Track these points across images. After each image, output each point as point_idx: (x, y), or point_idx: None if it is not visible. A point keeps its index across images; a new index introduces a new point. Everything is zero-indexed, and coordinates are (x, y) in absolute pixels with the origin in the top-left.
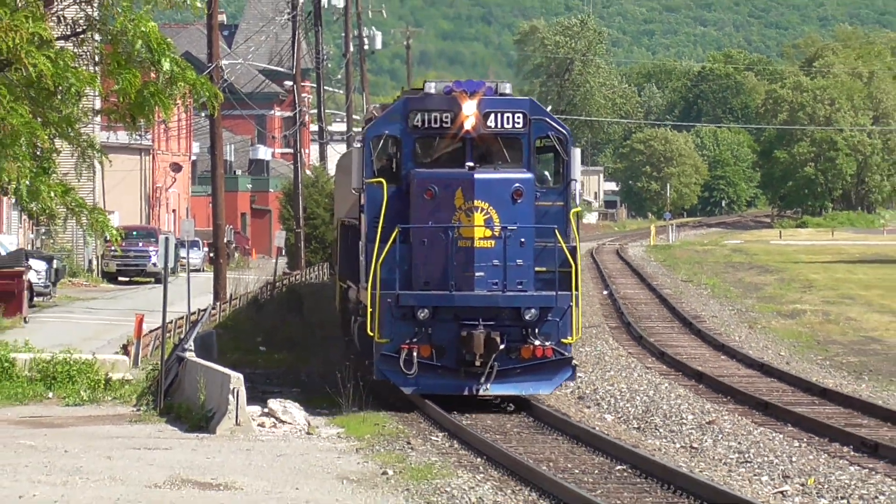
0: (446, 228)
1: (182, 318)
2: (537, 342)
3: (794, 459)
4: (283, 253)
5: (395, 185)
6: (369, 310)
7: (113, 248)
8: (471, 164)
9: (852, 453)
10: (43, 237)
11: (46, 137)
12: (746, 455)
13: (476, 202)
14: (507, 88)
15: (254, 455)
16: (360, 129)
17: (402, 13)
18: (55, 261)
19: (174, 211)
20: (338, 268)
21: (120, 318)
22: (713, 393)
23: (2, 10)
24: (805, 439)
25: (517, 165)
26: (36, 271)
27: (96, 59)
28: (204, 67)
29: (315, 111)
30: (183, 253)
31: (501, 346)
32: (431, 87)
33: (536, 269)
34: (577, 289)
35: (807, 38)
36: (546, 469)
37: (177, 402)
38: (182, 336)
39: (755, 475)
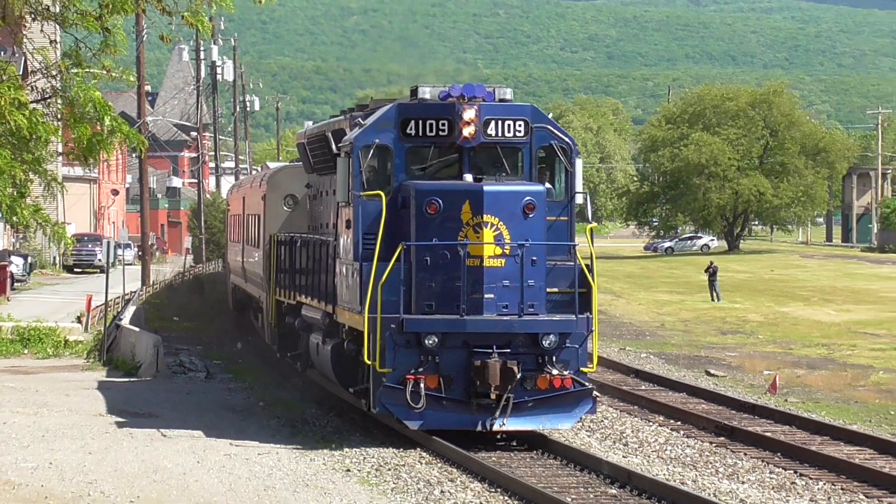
0: (454, 246)
1: (119, 297)
2: (555, 371)
3: None
4: (190, 252)
5: (386, 198)
6: (367, 336)
7: (72, 248)
8: (468, 175)
9: None
10: (21, 240)
11: (22, 173)
12: None
13: (485, 217)
14: (507, 94)
15: (170, 393)
16: (298, 144)
17: (274, 84)
18: (29, 257)
19: (114, 223)
20: (272, 283)
21: (75, 298)
22: None
23: None
24: None
25: (517, 176)
26: (16, 265)
27: (59, 116)
28: (134, 122)
29: (212, 153)
30: (119, 252)
31: (518, 376)
32: (426, 93)
33: (548, 289)
34: (594, 312)
35: (554, 102)
36: (348, 396)
37: (115, 356)
38: (119, 310)
39: None
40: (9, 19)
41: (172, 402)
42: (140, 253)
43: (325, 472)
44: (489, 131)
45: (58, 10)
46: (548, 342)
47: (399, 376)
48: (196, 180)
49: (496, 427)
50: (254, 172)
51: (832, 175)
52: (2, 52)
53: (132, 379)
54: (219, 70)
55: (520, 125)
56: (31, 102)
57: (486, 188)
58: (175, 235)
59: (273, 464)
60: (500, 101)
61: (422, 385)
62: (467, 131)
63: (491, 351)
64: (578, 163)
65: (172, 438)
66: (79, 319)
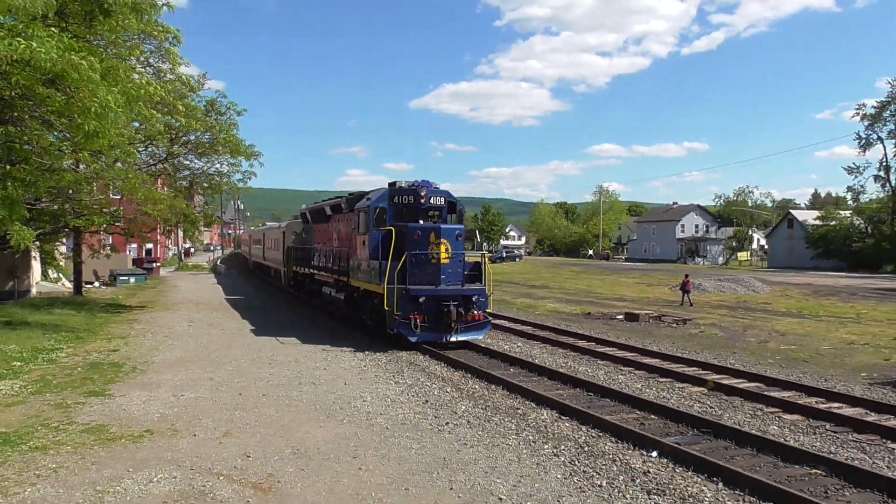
0: (428, 254)
1: (216, 258)
2: (476, 312)
3: None
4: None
5: (384, 232)
6: (385, 296)
7: (204, 246)
8: (422, 221)
9: None
10: (190, 245)
11: (190, 229)
12: None
13: (442, 240)
14: (439, 185)
15: (229, 281)
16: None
17: (250, 210)
18: (192, 248)
19: (215, 241)
20: (290, 264)
21: (207, 256)
22: None
23: (149, 192)
24: None
25: (445, 222)
26: (192, 250)
27: (203, 216)
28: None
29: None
30: (216, 248)
31: (462, 315)
32: (402, 183)
33: (465, 273)
34: (489, 283)
35: None
36: (239, 274)
37: (216, 272)
38: (217, 261)
39: None
40: (192, 193)
41: (230, 284)
42: (221, 248)
43: (313, 315)
44: (431, 201)
45: (201, 191)
46: (475, 298)
47: (405, 315)
48: (231, 232)
49: (451, 339)
50: (261, 226)
51: None
52: (188, 203)
53: (221, 277)
54: (239, 205)
55: (443, 198)
56: (196, 211)
57: (442, 227)
58: (227, 244)
59: (280, 294)
60: (435, 188)
61: (417, 320)
62: (423, 200)
63: (449, 303)
64: (465, 214)
65: (237, 291)
66: (208, 261)
